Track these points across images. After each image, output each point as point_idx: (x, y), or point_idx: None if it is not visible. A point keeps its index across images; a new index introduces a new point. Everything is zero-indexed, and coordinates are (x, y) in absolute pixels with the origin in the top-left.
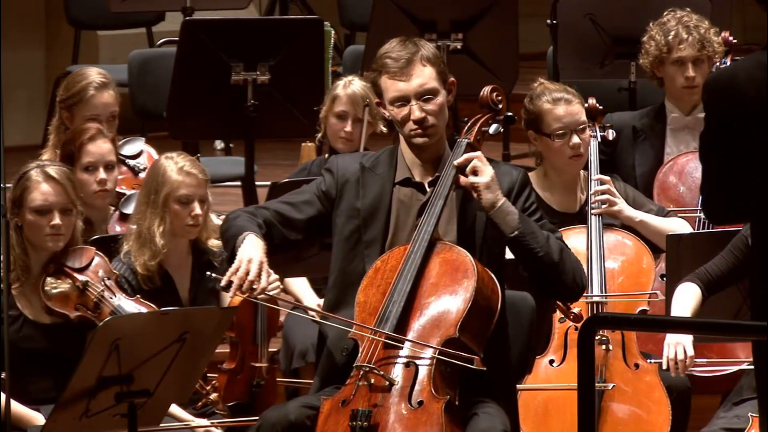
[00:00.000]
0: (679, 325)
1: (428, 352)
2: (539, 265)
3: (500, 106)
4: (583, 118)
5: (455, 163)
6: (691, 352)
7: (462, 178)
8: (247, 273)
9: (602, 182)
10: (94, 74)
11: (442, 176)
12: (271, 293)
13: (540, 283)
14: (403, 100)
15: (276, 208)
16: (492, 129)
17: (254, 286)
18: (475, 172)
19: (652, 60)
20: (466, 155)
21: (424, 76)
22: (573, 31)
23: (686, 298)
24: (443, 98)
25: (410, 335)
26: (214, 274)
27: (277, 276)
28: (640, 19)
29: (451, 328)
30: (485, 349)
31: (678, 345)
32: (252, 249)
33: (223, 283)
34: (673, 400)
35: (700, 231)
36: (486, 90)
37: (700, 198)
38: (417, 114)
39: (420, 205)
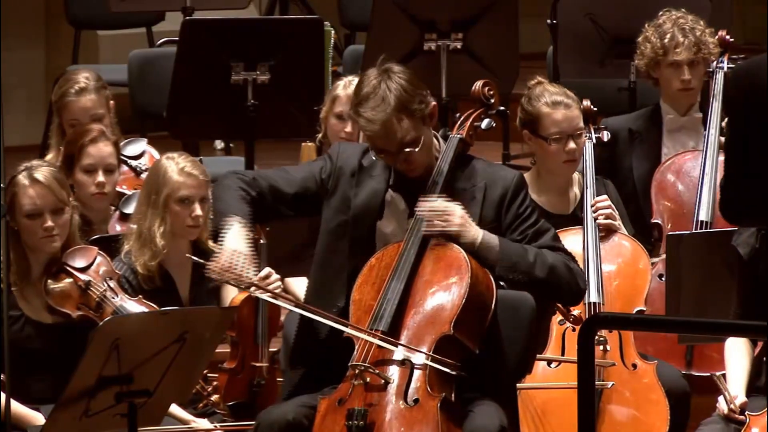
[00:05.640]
0: (678, 325)
1: (423, 350)
2: (528, 288)
3: (492, 100)
4: (581, 123)
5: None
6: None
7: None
8: (233, 264)
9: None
10: (80, 77)
11: (429, 186)
12: (271, 292)
13: (536, 297)
14: (384, 153)
15: (272, 182)
16: (484, 124)
17: (241, 279)
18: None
19: (648, 62)
20: (429, 206)
21: (401, 131)
22: (573, 31)
23: (737, 354)
24: (425, 136)
25: (405, 333)
26: (193, 258)
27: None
28: (640, 19)
29: (446, 325)
30: (481, 347)
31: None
32: (237, 240)
33: (210, 273)
34: (672, 404)
35: (700, 231)
36: (478, 84)
37: (719, 193)
38: (400, 166)
39: (412, 209)
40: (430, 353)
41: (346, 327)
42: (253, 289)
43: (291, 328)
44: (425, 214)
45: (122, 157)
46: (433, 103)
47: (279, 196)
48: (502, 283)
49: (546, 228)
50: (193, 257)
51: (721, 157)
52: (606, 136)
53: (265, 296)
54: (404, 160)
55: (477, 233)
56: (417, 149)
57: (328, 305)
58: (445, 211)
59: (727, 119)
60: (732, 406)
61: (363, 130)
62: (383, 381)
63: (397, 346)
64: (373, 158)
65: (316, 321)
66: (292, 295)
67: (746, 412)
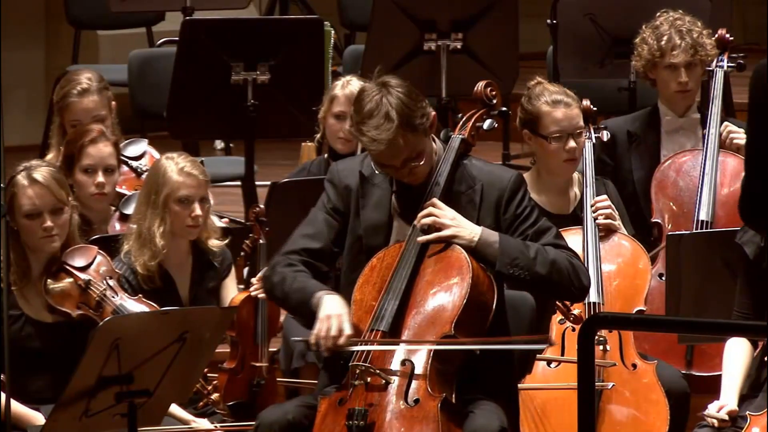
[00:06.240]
0: (678, 325)
1: (423, 351)
2: (530, 287)
3: (494, 101)
4: (581, 122)
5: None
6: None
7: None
8: (329, 329)
9: (602, 206)
10: (82, 78)
11: (430, 187)
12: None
13: (539, 296)
14: (389, 167)
15: (304, 247)
16: (486, 124)
17: (337, 342)
18: (437, 227)
19: (645, 63)
20: (421, 219)
21: (407, 148)
22: (573, 31)
23: (736, 354)
24: (427, 148)
25: (406, 333)
26: (299, 339)
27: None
28: (640, 19)
29: (447, 325)
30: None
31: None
32: (328, 306)
33: (313, 348)
34: (672, 404)
35: (700, 231)
36: (480, 85)
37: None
38: (403, 179)
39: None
40: (435, 340)
41: (367, 344)
42: (352, 347)
43: (291, 329)
44: (418, 226)
45: (123, 158)
46: (433, 113)
47: (317, 255)
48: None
49: (547, 227)
50: (297, 339)
51: (722, 157)
52: (606, 135)
53: (366, 347)
54: (408, 173)
55: (474, 232)
56: (419, 159)
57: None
58: (432, 213)
59: (747, 117)
60: (721, 414)
61: (367, 149)
62: (384, 381)
63: (399, 343)
64: (373, 167)
65: None
66: None
67: (747, 412)
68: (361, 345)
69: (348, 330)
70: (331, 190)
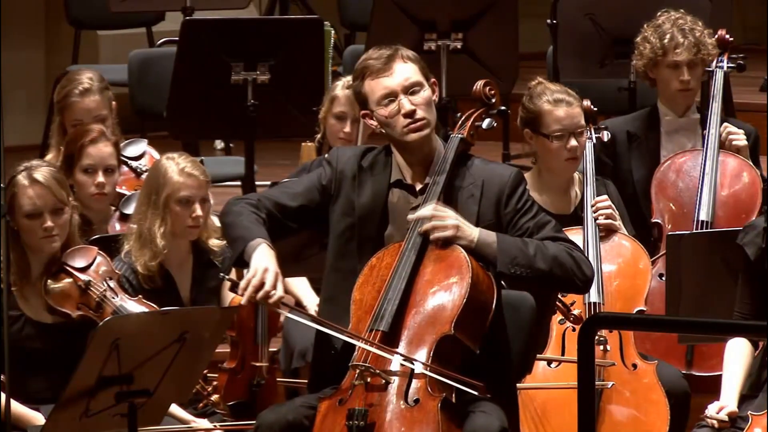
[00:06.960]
0: (678, 325)
1: (423, 351)
2: (534, 284)
3: (493, 100)
4: (583, 121)
5: (413, 216)
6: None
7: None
8: (263, 283)
9: (602, 205)
10: (83, 78)
11: (430, 186)
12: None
13: (544, 292)
14: (391, 96)
15: (277, 199)
16: (485, 123)
17: (270, 296)
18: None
19: (646, 62)
20: (420, 214)
21: (408, 70)
22: (573, 31)
23: (737, 355)
24: (429, 92)
25: (406, 333)
26: (228, 277)
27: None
28: (640, 19)
29: (446, 325)
30: (482, 346)
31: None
32: (267, 259)
33: (240, 292)
34: (672, 404)
35: (701, 231)
36: (479, 84)
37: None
38: (407, 106)
39: (411, 208)
40: (429, 363)
41: (360, 341)
42: (280, 307)
43: (291, 329)
44: (418, 224)
45: (123, 158)
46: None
47: (285, 212)
48: (503, 283)
49: (546, 220)
50: (226, 277)
51: (721, 157)
52: (606, 136)
53: (289, 313)
54: (410, 103)
55: (473, 233)
56: (422, 93)
57: (343, 309)
58: (435, 216)
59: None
60: (720, 415)
61: (368, 71)
62: (384, 381)
63: (398, 345)
64: (372, 159)
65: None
66: (292, 295)
67: (748, 412)
68: (290, 312)
69: (281, 292)
70: (327, 169)
